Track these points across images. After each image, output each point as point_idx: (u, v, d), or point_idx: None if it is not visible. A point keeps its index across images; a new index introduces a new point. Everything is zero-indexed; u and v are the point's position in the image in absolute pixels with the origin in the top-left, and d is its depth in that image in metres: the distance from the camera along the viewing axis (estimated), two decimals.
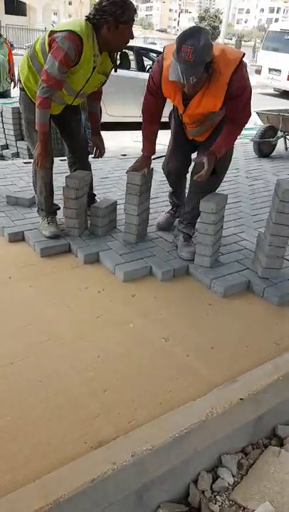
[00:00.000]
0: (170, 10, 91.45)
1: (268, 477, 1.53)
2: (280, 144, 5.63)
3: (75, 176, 2.65)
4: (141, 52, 7.57)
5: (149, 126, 2.48)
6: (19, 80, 2.55)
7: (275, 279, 2.41)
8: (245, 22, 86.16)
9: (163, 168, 2.79)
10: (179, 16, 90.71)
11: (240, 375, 1.74)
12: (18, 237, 2.74)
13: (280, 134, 5.31)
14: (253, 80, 15.33)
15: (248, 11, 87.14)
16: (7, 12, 24.71)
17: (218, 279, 2.38)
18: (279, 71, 13.35)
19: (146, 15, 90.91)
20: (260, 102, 10.75)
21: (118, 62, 2.60)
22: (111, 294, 2.27)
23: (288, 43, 12.89)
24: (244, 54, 2.10)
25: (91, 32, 2.26)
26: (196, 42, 1.91)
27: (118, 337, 1.95)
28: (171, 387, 1.67)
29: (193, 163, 2.58)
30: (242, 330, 2.07)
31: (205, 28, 2.04)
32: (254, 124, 6.56)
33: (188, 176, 2.67)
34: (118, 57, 2.58)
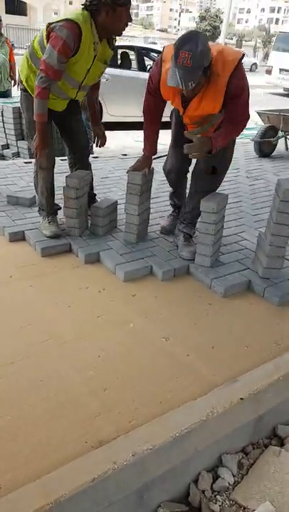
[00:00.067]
0: (171, 10, 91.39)
1: (269, 477, 1.53)
2: (281, 144, 5.63)
3: (75, 176, 2.65)
4: (142, 52, 7.59)
5: (150, 126, 2.48)
6: (20, 81, 2.55)
7: (276, 279, 2.41)
8: (246, 22, 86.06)
9: (164, 169, 2.78)
10: (179, 15, 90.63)
11: (240, 374, 1.74)
12: (18, 237, 2.74)
13: (280, 133, 5.31)
14: (263, 79, 15.46)
15: (248, 11, 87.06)
16: (7, 12, 24.70)
17: (218, 279, 2.38)
18: None
19: (147, 15, 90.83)
20: (270, 102, 10.78)
21: (116, 43, 2.58)
22: (111, 294, 2.27)
23: None
24: (243, 55, 2.10)
25: (89, 19, 2.25)
26: (194, 47, 1.91)
27: (119, 336, 1.95)
28: (172, 387, 1.67)
29: (193, 163, 2.58)
30: (242, 330, 2.07)
31: (202, 33, 2.05)
32: (255, 124, 6.56)
33: (189, 176, 2.67)
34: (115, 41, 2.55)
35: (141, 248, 2.66)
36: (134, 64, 7.59)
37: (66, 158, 3.01)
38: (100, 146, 2.93)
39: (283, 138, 5.50)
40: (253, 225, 3.17)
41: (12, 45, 6.14)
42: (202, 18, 46.86)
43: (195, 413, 1.51)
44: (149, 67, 7.42)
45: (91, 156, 2.94)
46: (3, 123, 5.00)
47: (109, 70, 6.87)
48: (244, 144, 5.84)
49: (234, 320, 2.14)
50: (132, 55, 7.61)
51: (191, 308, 2.22)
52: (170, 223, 2.90)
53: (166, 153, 2.75)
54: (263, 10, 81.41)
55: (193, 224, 2.70)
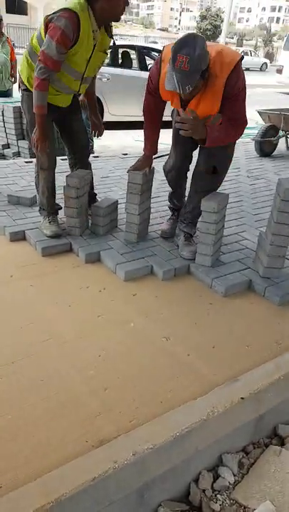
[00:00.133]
0: (171, 9, 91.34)
1: (269, 476, 1.53)
2: (282, 144, 5.63)
3: (75, 175, 2.65)
4: (143, 52, 7.58)
5: (150, 125, 2.48)
6: (21, 81, 2.54)
7: (277, 279, 2.41)
8: (247, 21, 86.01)
9: (164, 169, 2.77)
10: (180, 14, 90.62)
11: (241, 374, 1.74)
12: (19, 237, 2.75)
13: (281, 133, 5.31)
14: (274, 79, 15.50)
15: (249, 10, 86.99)
16: (8, 11, 24.65)
17: (219, 279, 2.38)
18: None
19: (148, 14, 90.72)
20: (281, 102, 10.77)
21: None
22: (112, 293, 2.27)
23: None
24: (242, 57, 2.10)
25: (86, 7, 2.24)
26: (192, 51, 1.91)
27: (119, 336, 1.95)
28: (172, 387, 1.67)
29: (193, 163, 2.58)
30: (243, 329, 2.07)
31: (200, 36, 2.03)
32: (255, 123, 6.56)
33: (189, 176, 2.67)
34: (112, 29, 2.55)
35: (141, 248, 2.66)
36: (135, 63, 7.59)
37: (66, 157, 3.00)
38: (97, 136, 2.92)
39: (284, 137, 5.50)
40: (253, 224, 3.17)
41: (13, 44, 6.14)
42: (203, 18, 46.83)
43: (195, 412, 1.52)
44: (150, 66, 7.41)
45: (91, 155, 2.94)
46: (4, 122, 5.00)
47: (110, 70, 6.93)
48: (245, 143, 5.83)
49: (235, 319, 2.14)
50: (133, 55, 7.61)
51: (192, 308, 2.22)
52: (170, 226, 2.86)
53: (167, 152, 2.75)
54: (263, 9, 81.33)
55: (194, 223, 2.70)
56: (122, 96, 6.78)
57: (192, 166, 2.60)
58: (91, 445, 1.40)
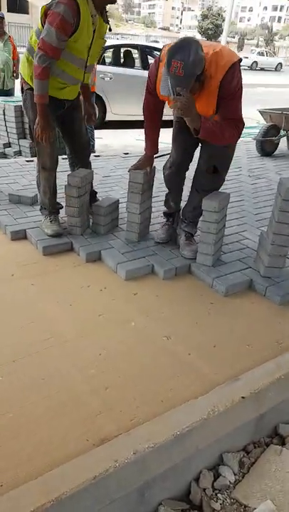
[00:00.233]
0: (173, 8, 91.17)
1: (270, 475, 1.53)
2: (283, 143, 5.62)
3: (77, 174, 2.65)
4: (145, 51, 7.60)
5: (151, 124, 2.48)
6: (24, 81, 2.52)
7: (278, 278, 2.41)
8: (248, 20, 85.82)
9: (164, 168, 2.74)
10: (181, 14, 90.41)
11: (242, 373, 1.74)
12: (20, 236, 2.75)
13: (282, 132, 5.30)
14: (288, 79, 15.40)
15: (250, 9, 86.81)
16: (9, 10, 24.60)
17: (220, 278, 2.38)
18: None
19: (149, 13, 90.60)
20: None
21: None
22: (113, 293, 2.28)
23: None
24: (240, 59, 2.09)
25: None
26: (186, 56, 1.91)
27: (120, 335, 1.95)
28: (173, 386, 1.68)
29: (193, 163, 2.57)
30: (244, 329, 2.07)
31: (196, 40, 2.02)
32: (257, 123, 6.56)
33: (188, 176, 2.66)
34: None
35: (142, 247, 2.66)
36: (137, 62, 7.59)
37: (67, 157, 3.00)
38: (87, 123, 2.89)
39: (285, 137, 5.49)
40: (254, 223, 3.17)
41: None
42: (204, 17, 46.76)
43: (196, 412, 1.52)
44: None
45: (92, 154, 2.94)
46: (5, 122, 5.01)
47: (112, 69, 6.93)
48: (246, 142, 5.83)
49: (236, 319, 2.14)
50: (136, 54, 7.62)
51: (193, 307, 2.22)
52: (166, 232, 2.75)
53: (168, 152, 2.74)
54: (265, 8, 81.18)
55: (195, 223, 2.70)
56: (124, 95, 6.78)
57: (192, 167, 2.60)
58: (92, 444, 1.40)
